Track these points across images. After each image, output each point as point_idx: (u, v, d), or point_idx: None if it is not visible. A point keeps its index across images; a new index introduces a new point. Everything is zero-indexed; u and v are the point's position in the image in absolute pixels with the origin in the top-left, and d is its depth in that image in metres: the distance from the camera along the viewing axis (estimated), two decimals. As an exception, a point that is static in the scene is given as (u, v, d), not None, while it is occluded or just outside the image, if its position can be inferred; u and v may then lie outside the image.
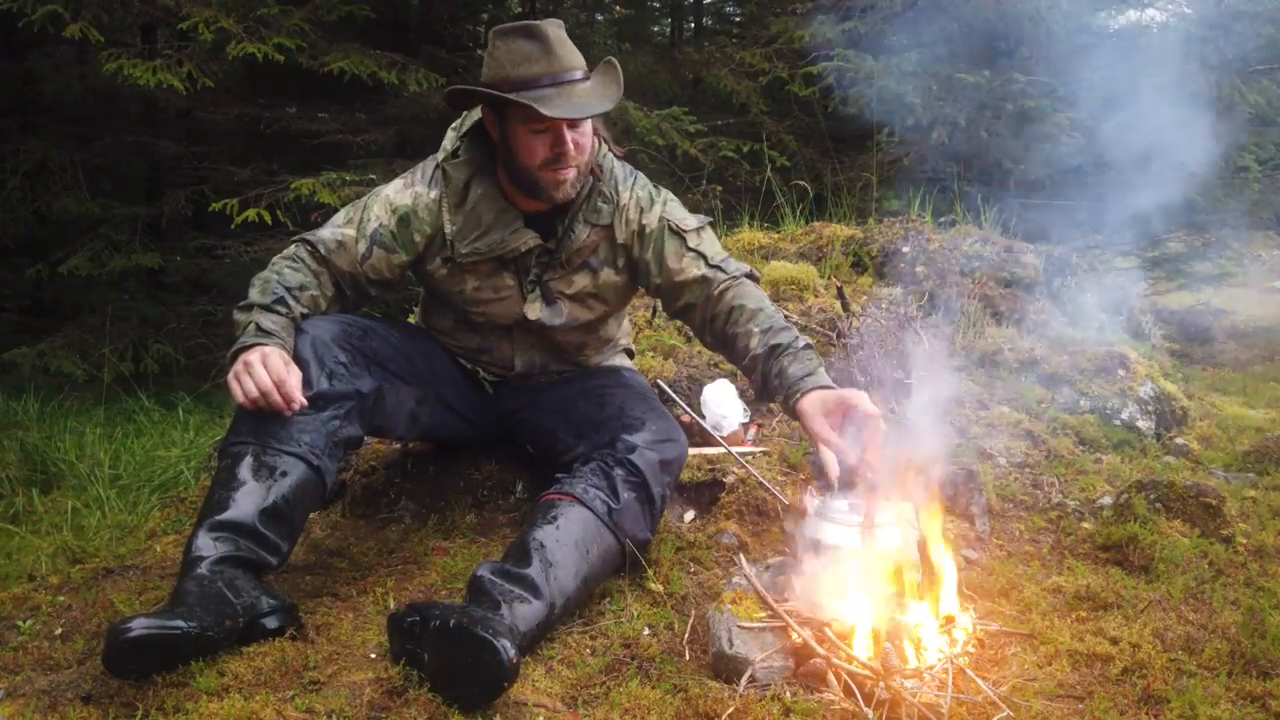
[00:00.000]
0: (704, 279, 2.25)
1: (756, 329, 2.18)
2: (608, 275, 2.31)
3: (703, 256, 2.26)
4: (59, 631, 2.05)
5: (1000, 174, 5.99)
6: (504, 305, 2.30)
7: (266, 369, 1.95)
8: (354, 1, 5.80)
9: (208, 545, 1.87)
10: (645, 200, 2.28)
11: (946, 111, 5.82)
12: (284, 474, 1.96)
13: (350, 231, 2.23)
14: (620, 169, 2.31)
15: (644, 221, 2.27)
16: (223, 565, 1.86)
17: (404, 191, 2.25)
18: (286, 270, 2.17)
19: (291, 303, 2.11)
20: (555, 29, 2.10)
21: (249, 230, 5.64)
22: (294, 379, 1.98)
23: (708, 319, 2.27)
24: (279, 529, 1.95)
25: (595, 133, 2.22)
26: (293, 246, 2.24)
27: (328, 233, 2.24)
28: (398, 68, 5.70)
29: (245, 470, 1.95)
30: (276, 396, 1.95)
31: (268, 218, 5.32)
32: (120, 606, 2.12)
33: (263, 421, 1.98)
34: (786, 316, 3.32)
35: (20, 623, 2.08)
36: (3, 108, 6.92)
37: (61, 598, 2.21)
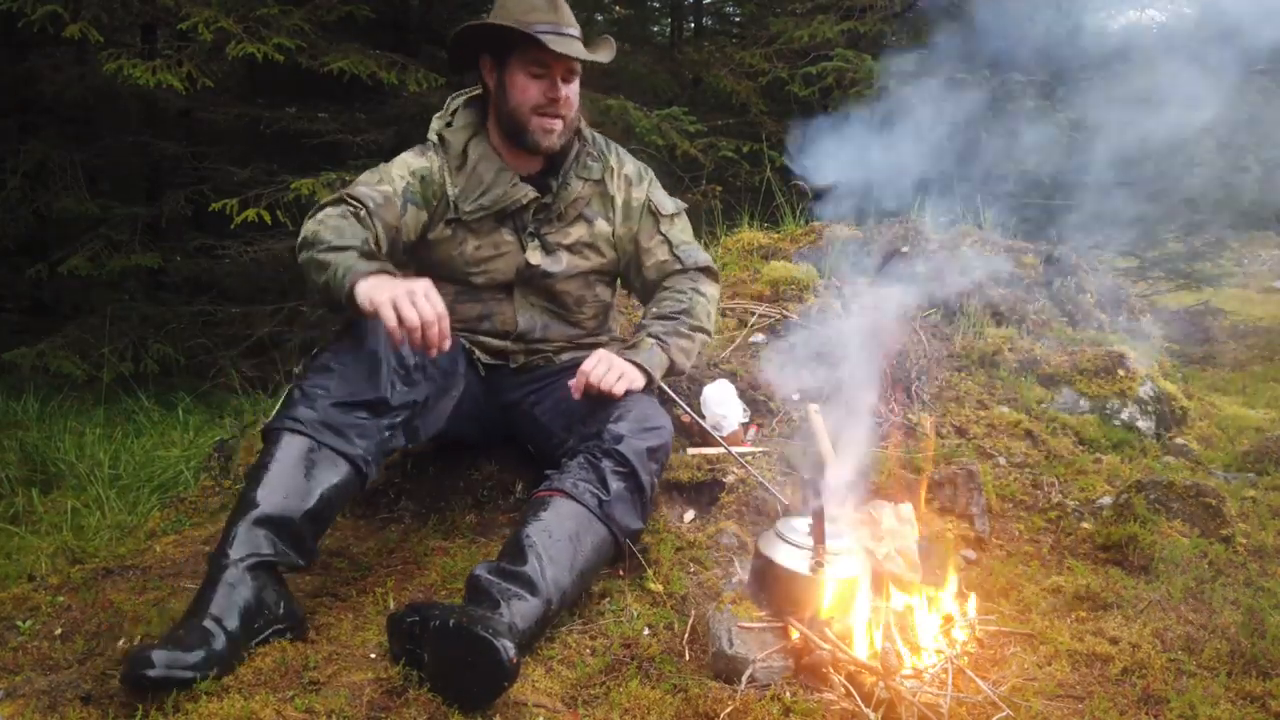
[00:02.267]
0: (663, 263, 2.48)
1: (652, 312, 2.41)
2: (601, 226, 2.45)
3: (668, 241, 2.46)
4: (59, 631, 2.05)
5: (1000, 174, 5.98)
6: (504, 260, 2.38)
7: (430, 303, 1.90)
8: (354, 1, 5.79)
9: (247, 540, 1.85)
10: (634, 175, 2.49)
11: (946, 111, 5.81)
12: (333, 473, 1.95)
13: (387, 188, 2.26)
14: (600, 137, 2.49)
15: (634, 194, 2.47)
16: (257, 572, 1.84)
17: (418, 157, 2.34)
18: (346, 225, 2.11)
19: (370, 244, 2.12)
20: None
21: (249, 230, 5.63)
22: (446, 323, 1.94)
23: (649, 294, 2.49)
24: (317, 529, 1.95)
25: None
26: (334, 207, 2.18)
27: (366, 190, 2.23)
28: (398, 68, 5.69)
29: (298, 462, 1.93)
30: (434, 331, 1.90)
31: (267, 218, 5.31)
32: (120, 606, 2.12)
33: (321, 410, 1.96)
34: (785, 316, 3.33)
35: (20, 623, 2.08)
36: (3, 108, 6.91)
37: (61, 598, 2.21)
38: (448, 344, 1.93)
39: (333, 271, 1.99)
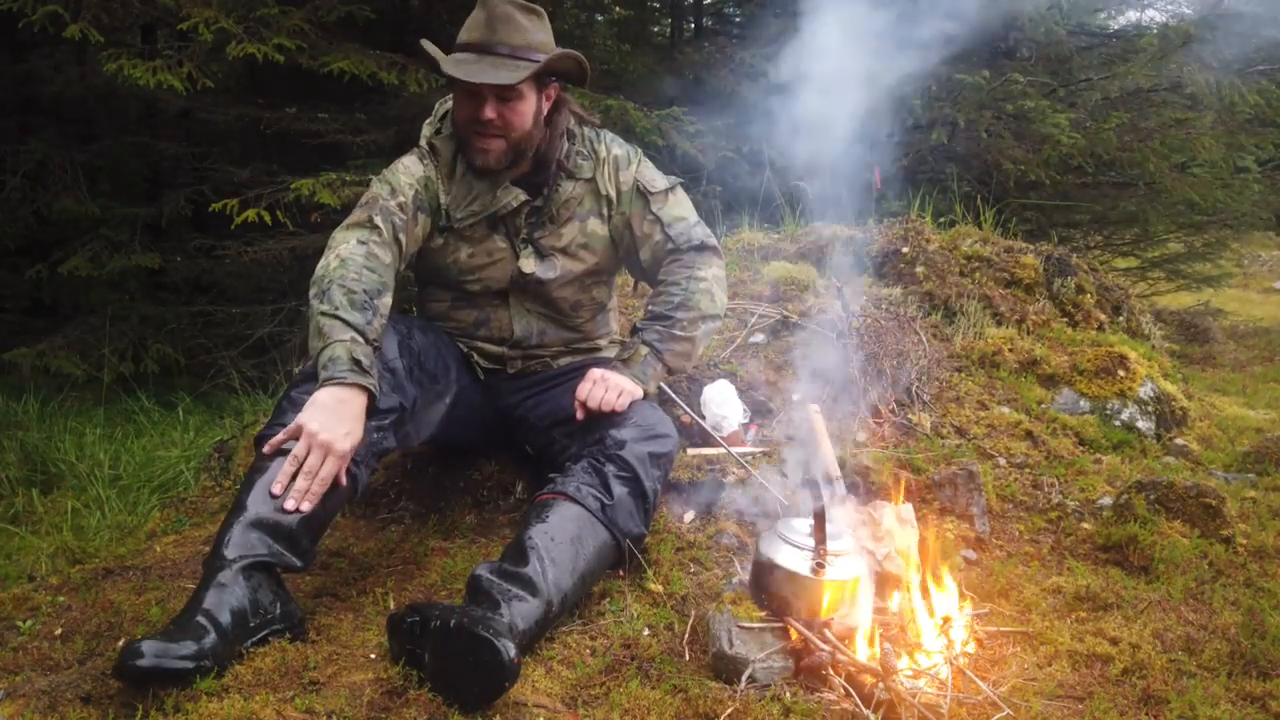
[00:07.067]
0: (657, 244, 2.40)
1: (648, 310, 2.39)
2: (594, 225, 2.40)
3: (660, 221, 2.39)
4: (59, 631, 2.05)
5: (1000, 174, 5.99)
6: (498, 268, 2.37)
7: (325, 472, 1.91)
8: (354, 2, 5.79)
9: (242, 542, 1.85)
10: (623, 159, 2.41)
11: (946, 111, 5.82)
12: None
13: (402, 199, 2.26)
14: (590, 131, 2.43)
15: (621, 179, 2.40)
16: (251, 572, 1.84)
17: (418, 163, 2.33)
18: (365, 273, 2.10)
19: (376, 324, 2.06)
20: (505, 7, 2.20)
21: (249, 230, 5.62)
22: (324, 487, 1.93)
23: (655, 282, 2.44)
24: (312, 531, 1.95)
25: (560, 110, 2.33)
26: (361, 231, 2.18)
27: (388, 204, 2.22)
28: (398, 68, 5.68)
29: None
30: (300, 488, 1.90)
31: (267, 218, 5.30)
32: (120, 606, 2.12)
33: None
34: (786, 316, 3.33)
35: (20, 623, 2.08)
36: (3, 108, 6.90)
37: (61, 598, 2.21)
38: (306, 507, 1.90)
39: (320, 351, 2.00)
